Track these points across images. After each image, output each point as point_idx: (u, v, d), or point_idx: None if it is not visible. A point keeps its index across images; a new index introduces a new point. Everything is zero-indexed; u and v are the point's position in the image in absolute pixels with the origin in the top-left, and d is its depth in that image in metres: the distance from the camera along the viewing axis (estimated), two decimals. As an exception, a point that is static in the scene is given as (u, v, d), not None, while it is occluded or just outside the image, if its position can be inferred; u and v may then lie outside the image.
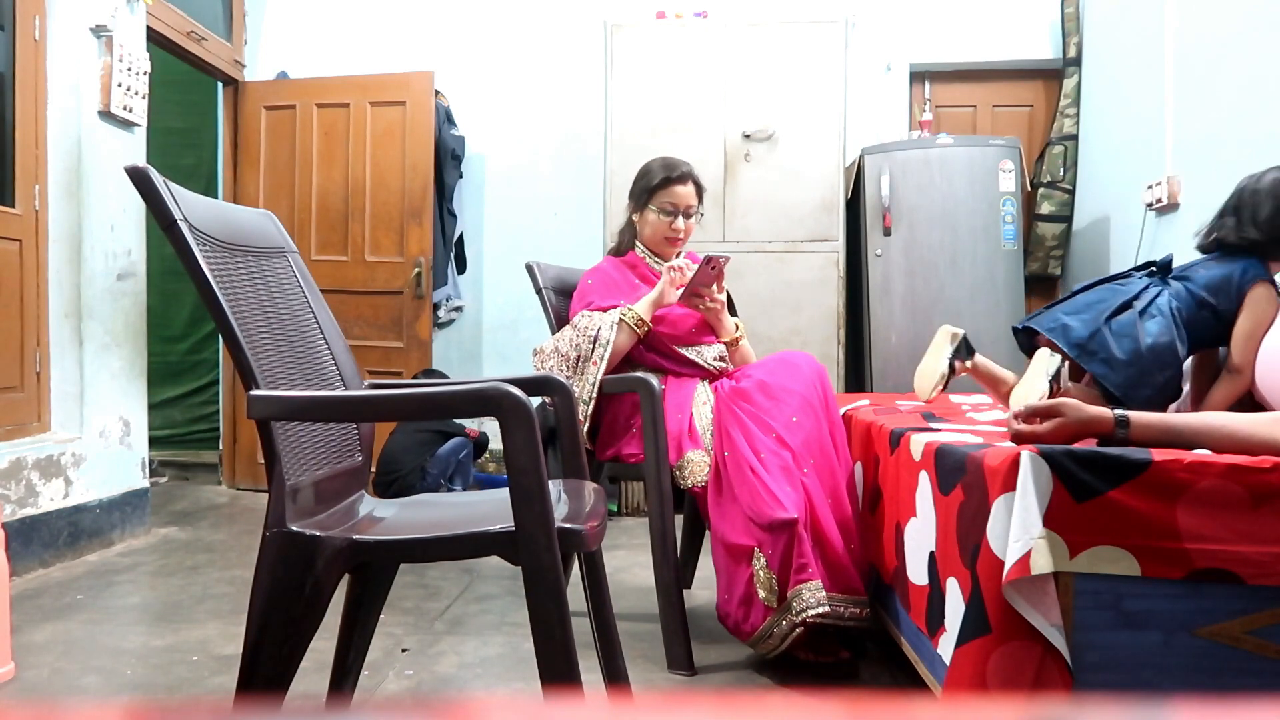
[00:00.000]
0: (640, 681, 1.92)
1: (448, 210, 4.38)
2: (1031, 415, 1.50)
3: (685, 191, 2.36)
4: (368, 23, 4.63)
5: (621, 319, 2.23)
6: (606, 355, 2.20)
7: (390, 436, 3.86)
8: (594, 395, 2.19)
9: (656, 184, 2.36)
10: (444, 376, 4.03)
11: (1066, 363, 1.85)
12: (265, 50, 4.62)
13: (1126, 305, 1.84)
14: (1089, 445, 1.41)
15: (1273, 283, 1.83)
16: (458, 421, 4.03)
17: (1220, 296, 1.82)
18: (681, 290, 2.26)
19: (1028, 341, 2.01)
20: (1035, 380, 1.84)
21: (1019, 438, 1.48)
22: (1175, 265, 1.95)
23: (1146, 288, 1.88)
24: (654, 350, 2.30)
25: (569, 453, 1.66)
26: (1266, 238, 1.83)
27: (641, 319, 2.24)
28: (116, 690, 1.93)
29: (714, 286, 2.27)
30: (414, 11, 4.61)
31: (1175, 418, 1.49)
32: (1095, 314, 1.84)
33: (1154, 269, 1.97)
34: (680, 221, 2.36)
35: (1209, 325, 1.83)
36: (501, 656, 2.12)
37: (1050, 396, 1.81)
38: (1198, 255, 1.96)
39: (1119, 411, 1.46)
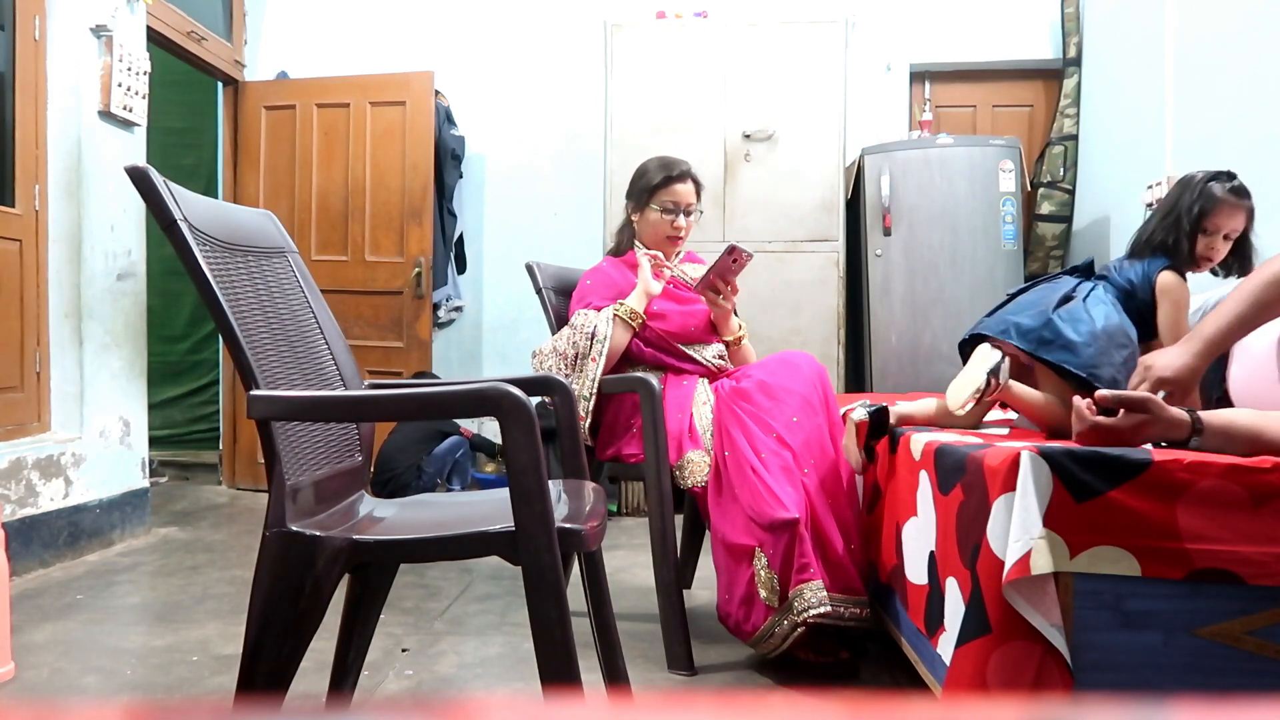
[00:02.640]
0: (640, 681, 1.92)
1: (448, 210, 4.38)
2: (1116, 404, 1.40)
3: (685, 190, 2.37)
4: (368, 23, 4.63)
5: (615, 314, 2.23)
6: (604, 351, 2.20)
7: (386, 437, 3.86)
8: (594, 392, 2.19)
9: (657, 183, 2.36)
10: (435, 378, 4.03)
11: (1007, 360, 1.82)
12: (265, 50, 4.62)
13: (1068, 298, 1.86)
14: (1088, 445, 1.41)
15: (1176, 269, 1.93)
16: (454, 421, 4.03)
17: (1140, 290, 1.91)
18: (662, 278, 2.30)
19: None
20: (973, 373, 1.83)
21: (1096, 431, 1.40)
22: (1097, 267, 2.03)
23: (1080, 284, 1.92)
24: (654, 346, 2.30)
25: (569, 453, 1.66)
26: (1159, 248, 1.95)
27: (635, 311, 2.24)
28: (116, 690, 1.93)
29: (730, 284, 2.27)
30: (414, 11, 4.61)
31: (1236, 421, 1.42)
32: (1041, 308, 1.85)
33: (1076, 270, 2.01)
34: (681, 219, 2.37)
35: (1138, 316, 1.90)
36: (501, 656, 2.12)
37: (989, 392, 1.79)
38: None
39: (1194, 415, 1.40)
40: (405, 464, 3.77)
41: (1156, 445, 1.43)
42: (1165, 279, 1.90)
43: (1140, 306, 1.91)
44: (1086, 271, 2.00)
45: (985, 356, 1.83)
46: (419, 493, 3.65)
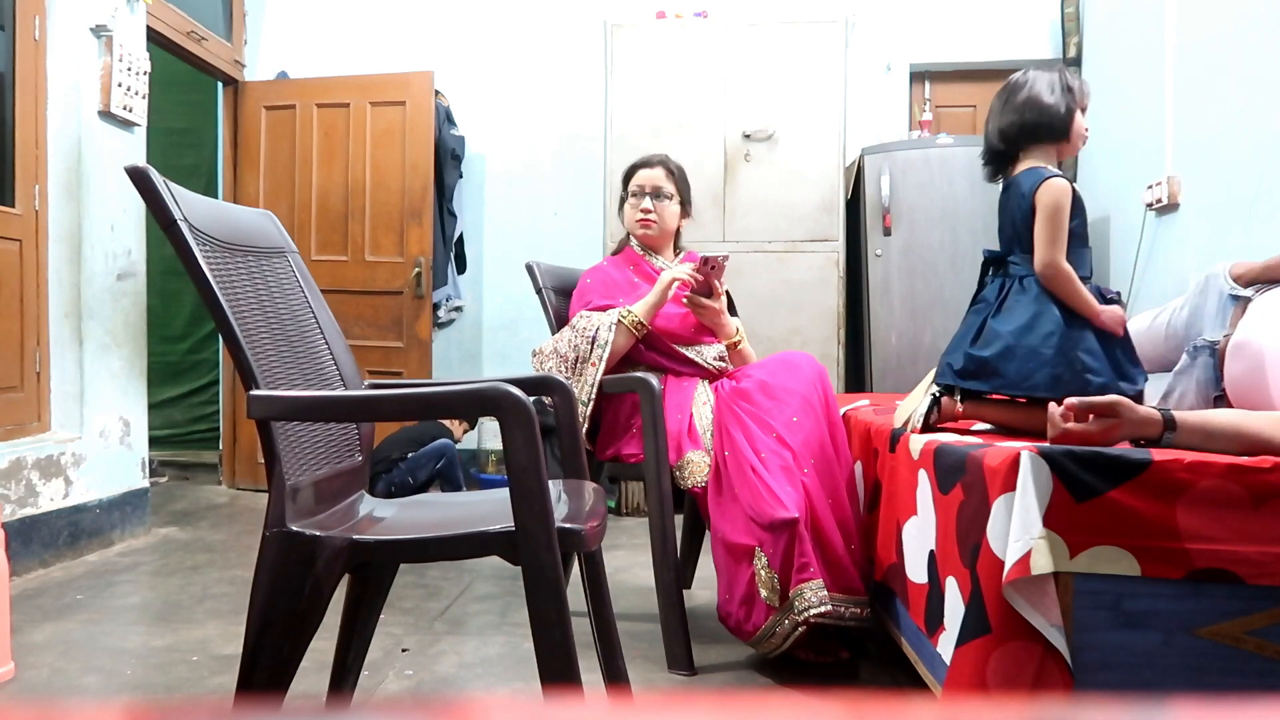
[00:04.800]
0: (640, 681, 1.92)
1: (448, 210, 4.39)
2: (1085, 411, 1.45)
3: (650, 173, 2.41)
4: (368, 23, 4.63)
5: (620, 320, 2.23)
6: (605, 356, 2.20)
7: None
8: (593, 397, 2.19)
9: (626, 173, 2.46)
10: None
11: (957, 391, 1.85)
12: (265, 50, 4.62)
13: (983, 322, 1.83)
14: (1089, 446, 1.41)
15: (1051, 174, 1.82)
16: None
17: (1026, 203, 1.82)
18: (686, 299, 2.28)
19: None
20: (917, 395, 1.85)
21: (1066, 437, 1.44)
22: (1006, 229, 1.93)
23: (1001, 286, 1.86)
24: (654, 349, 2.30)
25: (569, 453, 1.66)
26: (1010, 143, 1.87)
27: (640, 322, 2.24)
28: (116, 690, 1.93)
29: (714, 290, 2.27)
30: (414, 11, 4.61)
31: (1213, 419, 1.46)
32: (962, 344, 1.84)
33: (990, 263, 1.96)
34: (648, 201, 2.39)
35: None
36: (501, 656, 2.12)
37: (939, 414, 1.81)
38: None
39: (1166, 413, 1.44)
40: (379, 456, 3.75)
41: (1135, 444, 1.44)
42: (1055, 185, 1.78)
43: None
44: (997, 262, 1.93)
45: (929, 387, 1.86)
46: (387, 487, 3.65)
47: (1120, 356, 1.79)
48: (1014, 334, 1.76)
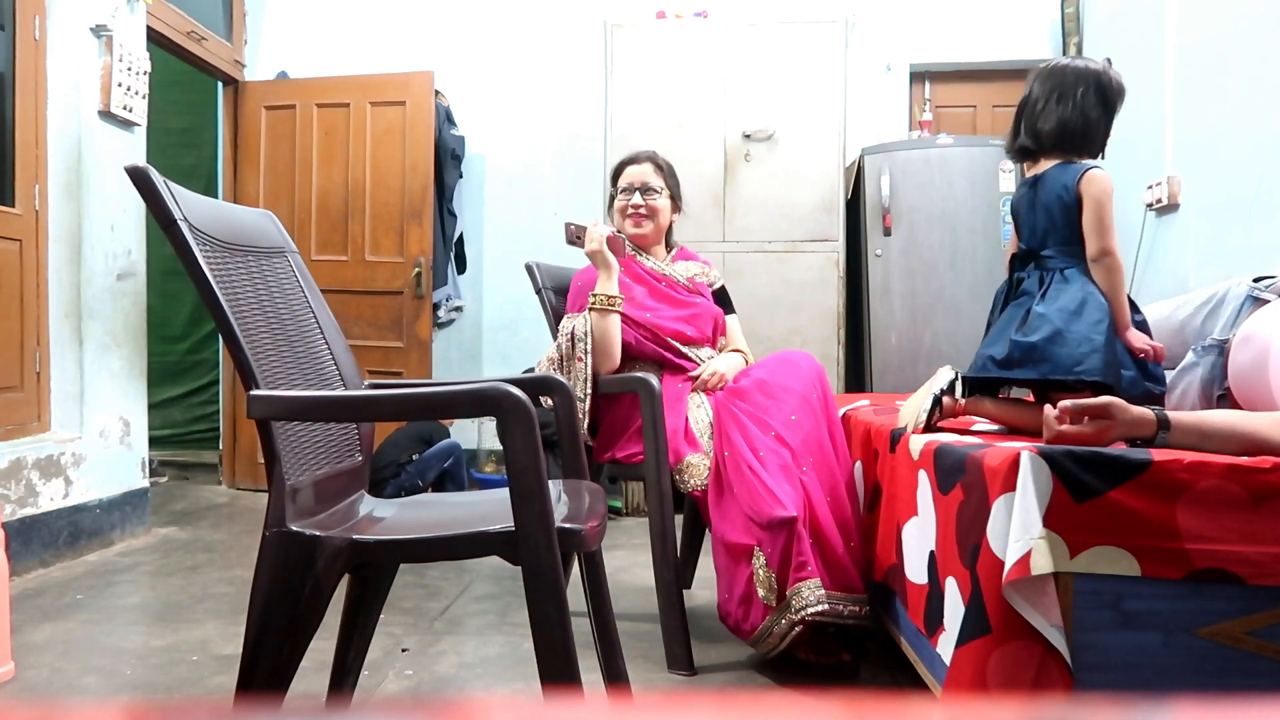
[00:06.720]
0: (640, 681, 1.92)
1: (448, 210, 4.39)
2: (1079, 413, 1.47)
3: (638, 169, 2.42)
4: (368, 23, 4.63)
5: (591, 306, 2.23)
6: (589, 347, 2.20)
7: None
8: (588, 392, 2.19)
9: (614, 171, 2.48)
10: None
11: (958, 377, 1.85)
12: (265, 50, 4.62)
13: (1027, 311, 1.83)
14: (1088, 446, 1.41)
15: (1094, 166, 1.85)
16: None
17: (1068, 194, 1.84)
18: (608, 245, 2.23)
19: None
20: (921, 395, 1.86)
21: (1062, 439, 1.45)
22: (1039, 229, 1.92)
23: (1041, 280, 1.87)
24: (653, 343, 2.30)
25: (569, 453, 1.66)
26: (1053, 142, 1.86)
27: (609, 296, 2.22)
28: (116, 690, 1.93)
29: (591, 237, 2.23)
30: (414, 11, 4.61)
31: (1208, 419, 1.47)
32: (1004, 335, 1.84)
33: (1019, 259, 1.96)
34: (637, 197, 2.39)
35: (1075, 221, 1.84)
36: (501, 656, 2.12)
37: (940, 412, 1.81)
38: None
39: (1160, 413, 1.45)
40: (387, 460, 3.75)
41: (1130, 444, 1.44)
42: (1094, 174, 1.81)
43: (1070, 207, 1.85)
44: (1031, 256, 1.93)
45: (939, 378, 1.86)
46: (397, 491, 3.65)
47: None
48: (1063, 318, 1.76)
